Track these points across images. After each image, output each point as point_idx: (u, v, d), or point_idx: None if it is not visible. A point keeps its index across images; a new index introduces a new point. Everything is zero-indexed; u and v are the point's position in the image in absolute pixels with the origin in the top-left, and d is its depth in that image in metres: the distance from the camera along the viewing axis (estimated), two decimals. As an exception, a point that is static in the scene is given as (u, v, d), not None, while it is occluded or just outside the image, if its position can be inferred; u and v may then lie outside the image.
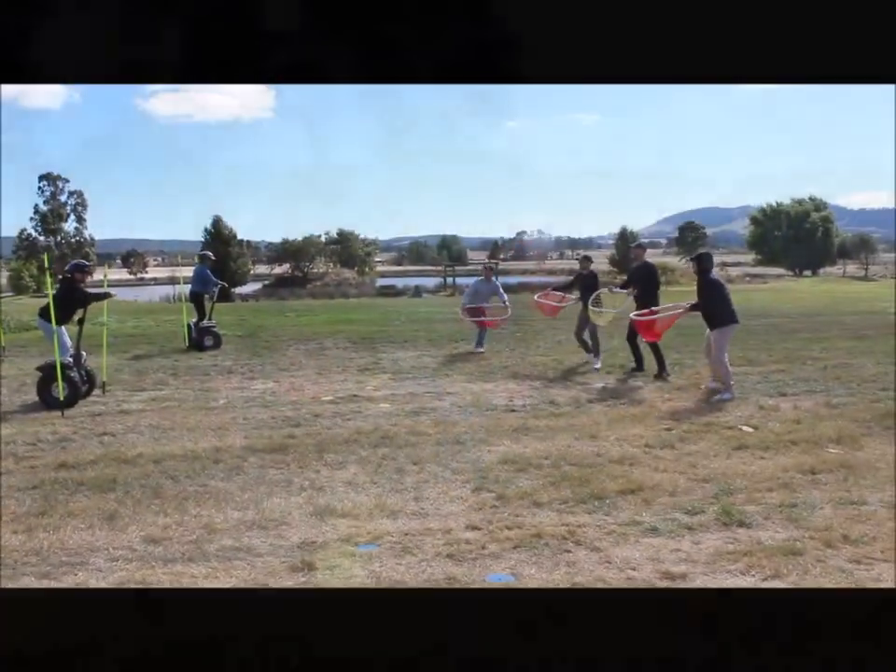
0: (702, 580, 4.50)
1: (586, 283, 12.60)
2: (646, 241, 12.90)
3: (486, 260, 17.26)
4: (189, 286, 16.53)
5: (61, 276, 10.38)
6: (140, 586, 4.45)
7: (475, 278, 16.33)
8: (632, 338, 11.57)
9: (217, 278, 16.61)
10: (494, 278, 15.64)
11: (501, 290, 14.90)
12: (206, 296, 16.32)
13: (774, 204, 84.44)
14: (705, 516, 5.53)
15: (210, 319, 15.98)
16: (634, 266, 12.24)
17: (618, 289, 12.22)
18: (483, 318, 14.58)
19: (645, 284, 11.41)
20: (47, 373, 9.60)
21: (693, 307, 10.15)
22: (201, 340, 15.44)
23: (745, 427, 8.13)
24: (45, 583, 4.53)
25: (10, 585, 4.49)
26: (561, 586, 4.44)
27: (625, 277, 13.13)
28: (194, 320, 15.85)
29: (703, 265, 10.17)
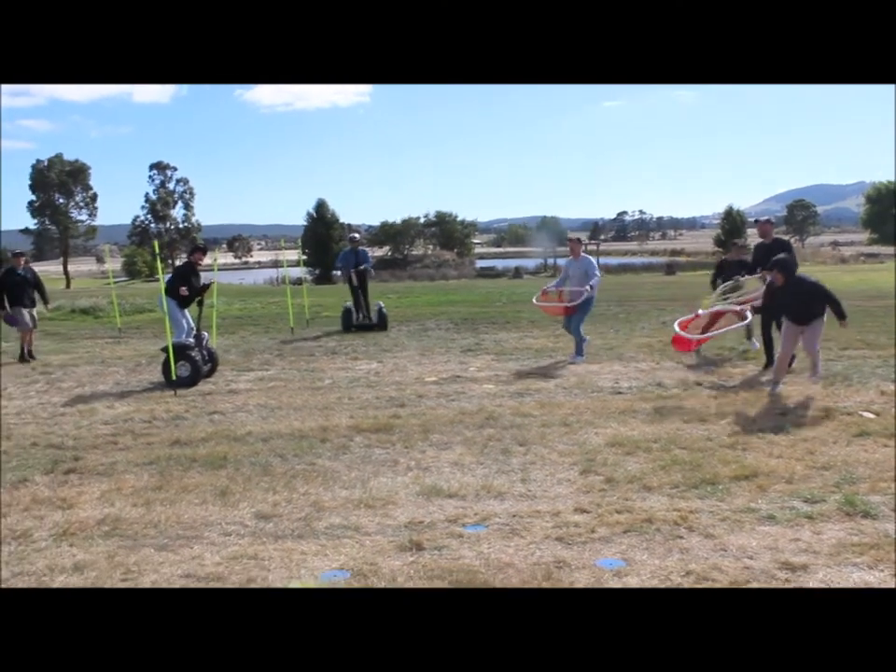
0: (825, 572, 4.29)
1: (732, 272, 11.09)
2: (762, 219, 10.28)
3: (573, 236, 14.24)
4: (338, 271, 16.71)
5: (185, 259, 10.84)
6: (136, 586, 4.34)
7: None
8: (766, 330, 10.34)
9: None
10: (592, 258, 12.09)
11: (593, 266, 11.48)
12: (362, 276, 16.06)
13: (888, 181, 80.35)
14: (825, 505, 5.27)
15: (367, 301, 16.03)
16: (760, 244, 10.53)
17: (747, 276, 10.72)
18: (546, 304, 12.02)
19: None
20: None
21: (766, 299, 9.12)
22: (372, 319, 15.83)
23: (866, 413, 7.73)
24: (163, 555, 4.67)
25: (132, 556, 4.65)
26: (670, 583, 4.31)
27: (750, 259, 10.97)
28: (350, 303, 15.95)
29: (788, 272, 8.64)
